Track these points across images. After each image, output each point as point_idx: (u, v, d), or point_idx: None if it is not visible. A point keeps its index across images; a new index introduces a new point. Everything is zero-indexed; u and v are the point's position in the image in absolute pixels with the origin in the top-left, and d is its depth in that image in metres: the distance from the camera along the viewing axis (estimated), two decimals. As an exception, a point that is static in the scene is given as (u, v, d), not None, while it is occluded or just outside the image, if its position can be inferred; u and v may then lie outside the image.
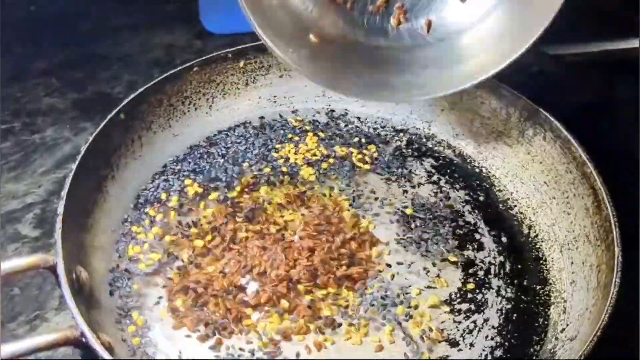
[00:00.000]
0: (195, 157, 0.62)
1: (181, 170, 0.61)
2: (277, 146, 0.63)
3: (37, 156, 0.80)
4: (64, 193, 0.48)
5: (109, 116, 0.55)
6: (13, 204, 0.74)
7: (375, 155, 0.63)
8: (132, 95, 0.57)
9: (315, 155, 0.63)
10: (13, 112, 0.83)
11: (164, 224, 0.56)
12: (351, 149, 0.63)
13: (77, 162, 0.50)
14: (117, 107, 0.55)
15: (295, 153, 0.63)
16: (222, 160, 0.62)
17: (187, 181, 0.59)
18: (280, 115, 0.67)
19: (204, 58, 0.62)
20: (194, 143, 0.63)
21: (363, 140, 0.65)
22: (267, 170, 0.61)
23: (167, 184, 0.59)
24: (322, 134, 0.65)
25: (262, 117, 0.66)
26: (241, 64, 0.65)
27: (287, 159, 0.62)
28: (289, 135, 0.65)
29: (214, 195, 0.58)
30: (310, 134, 0.65)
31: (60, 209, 0.46)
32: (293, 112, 0.67)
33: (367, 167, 0.62)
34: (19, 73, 0.86)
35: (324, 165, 0.62)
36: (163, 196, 0.58)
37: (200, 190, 0.59)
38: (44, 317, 0.63)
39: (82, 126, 0.83)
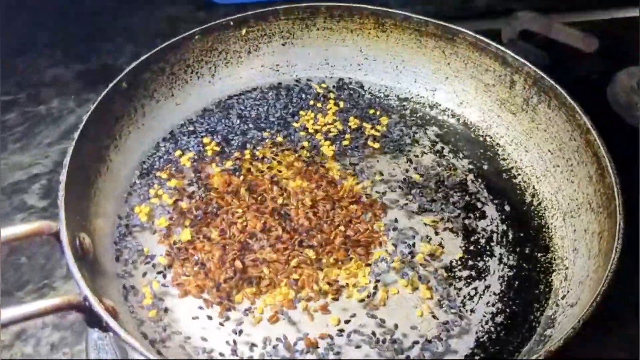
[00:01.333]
0: (210, 119, 0.63)
1: (196, 131, 0.61)
2: (285, 113, 0.64)
3: (42, 127, 0.80)
4: (66, 161, 0.48)
5: (111, 85, 0.54)
6: (19, 175, 0.74)
7: (384, 129, 0.63)
8: (134, 64, 0.57)
9: (318, 124, 0.63)
10: (17, 84, 0.83)
11: (171, 190, 0.56)
12: (359, 122, 0.63)
13: (79, 130, 0.50)
14: (119, 76, 0.55)
15: (297, 122, 0.63)
16: (238, 122, 0.62)
17: (206, 139, 0.60)
18: (280, 84, 0.67)
19: (205, 26, 0.61)
20: (197, 111, 0.63)
21: (371, 112, 0.65)
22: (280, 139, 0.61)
23: (182, 144, 0.60)
24: (319, 105, 0.65)
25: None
26: (243, 32, 0.65)
27: (286, 126, 0.63)
28: (296, 102, 0.65)
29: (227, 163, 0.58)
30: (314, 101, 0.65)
31: (63, 177, 0.46)
32: (296, 80, 0.67)
33: (376, 145, 0.61)
34: (23, 45, 0.86)
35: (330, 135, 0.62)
36: (177, 154, 0.59)
37: (218, 149, 0.59)
38: (51, 286, 0.64)
39: (87, 97, 0.83)
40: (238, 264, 0.50)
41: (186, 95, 0.63)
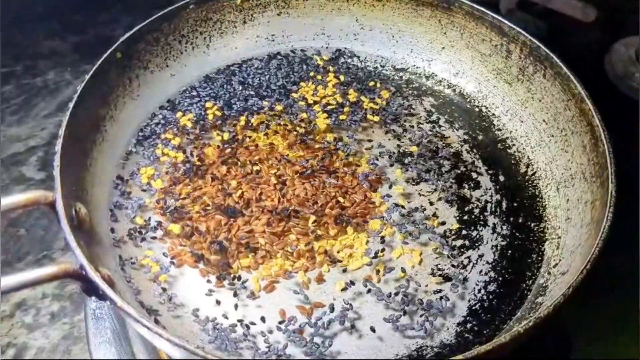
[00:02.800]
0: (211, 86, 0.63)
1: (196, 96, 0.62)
2: (275, 85, 0.64)
3: (39, 99, 0.80)
4: (61, 132, 0.48)
5: (105, 55, 0.54)
6: (17, 147, 0.75)
7: (384, 103, 0.63)
8: (128, 34, 0.56)
9: (317, 96, 0.63)
10: (14, 56, 0.83)
11: (176, 148, 0.57)
12: (358, 94, 0.63)
13: (73, 101, 0.50)
14: (113, 46, 0.55)
15: (296, 93, 0.63)
16: (240, 88, 0.63)
17: (208, 104, 0.60)
18: (279, 53, 0.67)
19: (199, -5, 0.61)
20: (196, 79, 0.63)
21: (371, 84, 0.64)
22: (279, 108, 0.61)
23: (184, 106, 0.61)
24: (319, 77, 0.64)
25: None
26: (238, 1, 0.64)
27: (286, 95, 0.63)
28: (297, 72, 0.65)
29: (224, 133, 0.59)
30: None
31: (58, 147, 0.47)
32: (292, 51, 0.67)
33: (376, 118, 0.61)
34: (19, 17, 0.86)
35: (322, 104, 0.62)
36: (178, 115, 0.59)
37: (219, 114, 0.60)
38: (51, 257, 0.65)
39: (83, 69, 0.83)
40: (233, 235, 0.51)
41: (181, 66, 0.62)
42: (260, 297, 0.48)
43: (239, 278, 0.49)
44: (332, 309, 0.47)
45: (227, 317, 0.47)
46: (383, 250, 0.51)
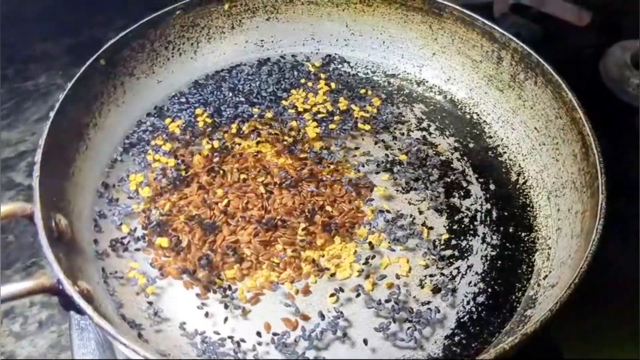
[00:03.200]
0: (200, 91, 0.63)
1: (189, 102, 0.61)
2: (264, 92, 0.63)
3: (30, 103, 0.79)
4: (41, 141, 0.47)
5: (88, 62, 0.53)
6: (7, 152, 0.74)
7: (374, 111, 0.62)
8: (112, 41, 0.56)
9: (307, 104, 0.62)
10: (6, 58, 0.82)
11: (155, 169, 0.56)
12: (349, 102, 0.62)
13: (55, 109, 0.49)
14: (97, 53, 0.54)
15: (286, 100, 0.62)
16: (231, 94, 0.62)
17: (198, 110, 0.60)
18: (269, 59, 0.66)
19: (186, 1, 0.60)
20: (184, 85, 0.63)
21: (362, 91, 0.63)
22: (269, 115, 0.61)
23: (173, 112, 0.60)
24: (310, 84, 0.64)
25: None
26: (226, 6, 0.63)
27: (276, 102, 0.62)
28: (289, 78, 0.64)
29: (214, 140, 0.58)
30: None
31: (38, 157, 0.46)
32: (281, 56, 0.66)
33: (367, 127, 0.60)
34: (11, 18, 0.85)
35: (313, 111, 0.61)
36: (167, 121, 0.59)
37: (209, 121, 0.59)
38: (39, 264, 0.65)
39: (74, 72, 0.82)
40: (219, 245, 0.50)
41: (168, 72, 0.62)
42: (249, 309, 0.48)
43: (227, 289, 0.48)
44: (322, 317, 0.47)
45: (215, 331, 0.46)
46: (373, 257, 0.50)
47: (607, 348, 0.52)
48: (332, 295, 0.48)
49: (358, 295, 0.48)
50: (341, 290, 0.48)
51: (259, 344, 0.46)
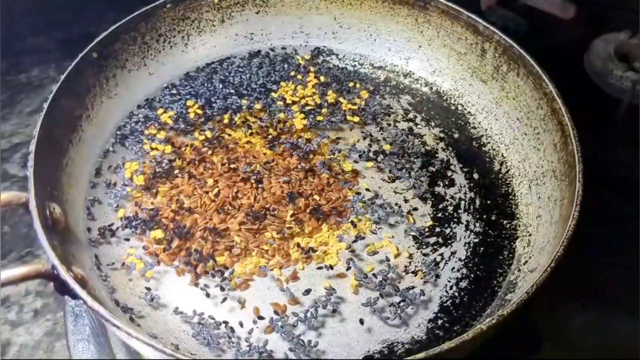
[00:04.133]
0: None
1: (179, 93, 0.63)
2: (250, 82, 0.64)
3: (23, 96, 0.80)
4: (35, 132, 0.48)
5: (80, 55, 0.54)
6: (1, 144, 0.75)
7: (362, 103, 0.63)
8: (104, 34, 0.57)
9: (296, 96, 0.63)
10: (-1, 52, 0.83)
11: (163, 142, 0.58)
12: (337, 95, 0.63)
13: (48, 101, 0.50)
14: (89, 46, 0.55)
15: (275, 93, 0.63)
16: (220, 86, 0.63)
17: (189, 102, 0.61)
18: (260, 52, 0.67)
19: (177, -6, 0.61)
20: (170, 81, 0.64)
21: (350, 85, 0.65)
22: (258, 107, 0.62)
23: (165, 103, 0.61)
24: (300, 77, 0.65)
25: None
26: (216, 0, 0.64)
27: (266, 94, 0.63)
28: (279, 71, 0.65)
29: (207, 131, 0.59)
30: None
31: (32, 147, 0.47)
32: (271, 49, 0.67)
33: (356, 118, 0.61)
34: (2, 12, 0.85)
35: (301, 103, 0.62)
36: (159, 112, 0.60)
37: (200, 112, 0.60)
38: (34, 254, 0.65)
39: (67, 66, 0.83)
40: (209, 232, 0.52)
41: (159, 64, 0.63)
42: (240, 292, 0.49)
43: (218, 274, 0.50)
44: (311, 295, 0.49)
45: (207, 315, 0.48)
46: (359, 241, 0.52)
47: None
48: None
49: (348, 267, 0.50)
50: (331, 267, 0.50)
51: (256, 326, 0.47)
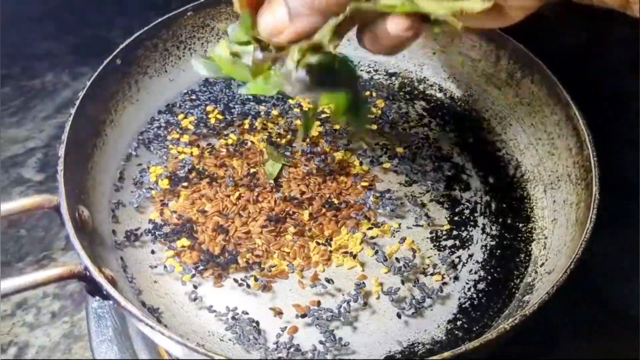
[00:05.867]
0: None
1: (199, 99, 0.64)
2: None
3: (37, 101, 0.81)
4: (64, 137, 0.49)
5: (105, 62, 0.55)
6: (15, 149, 0.76)
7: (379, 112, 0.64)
8: (128, 41, 0.58)
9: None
10: (10, 57, 0.84)
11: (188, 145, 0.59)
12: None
13: (75, 107, 0.51)
14: (113, 53, 0.56)
15: (292, 99, 0.64)
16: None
17: (209, 107, 0.62)
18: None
19: (198, 2, 0.62)
20: (189, 87, 0.65)
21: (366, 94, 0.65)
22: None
23: (185, 108, 0.63)
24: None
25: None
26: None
27: (283, 100, 0.64)
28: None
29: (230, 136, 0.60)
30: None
31: (61, 152, 0.48)
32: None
33: (374, 127, 0.62)
34: (14, 18, 0.86)
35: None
36: (180, 117, 0.61)
37: (221, 117, 0.61)
38: (51, 257, 0.67)
39: (80, 71, 0.84)
40: (231, 236, 0.52)
41: (180, 71, 0.64)
42: (258, 296, 0.50)
43: (239, 282, 0.51)
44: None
45: (241, 310, 0.49)
46: (375, 243, 0.53)
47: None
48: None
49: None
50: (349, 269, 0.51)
51: (287, 324, 0.49)
